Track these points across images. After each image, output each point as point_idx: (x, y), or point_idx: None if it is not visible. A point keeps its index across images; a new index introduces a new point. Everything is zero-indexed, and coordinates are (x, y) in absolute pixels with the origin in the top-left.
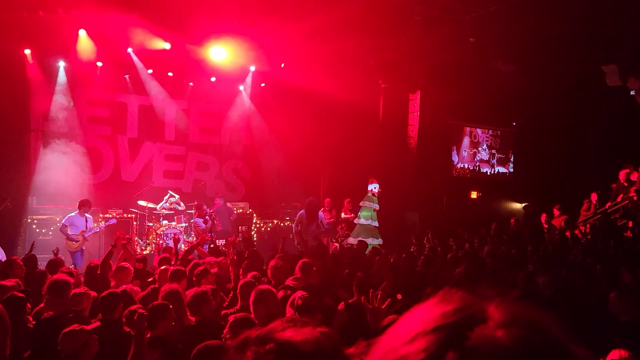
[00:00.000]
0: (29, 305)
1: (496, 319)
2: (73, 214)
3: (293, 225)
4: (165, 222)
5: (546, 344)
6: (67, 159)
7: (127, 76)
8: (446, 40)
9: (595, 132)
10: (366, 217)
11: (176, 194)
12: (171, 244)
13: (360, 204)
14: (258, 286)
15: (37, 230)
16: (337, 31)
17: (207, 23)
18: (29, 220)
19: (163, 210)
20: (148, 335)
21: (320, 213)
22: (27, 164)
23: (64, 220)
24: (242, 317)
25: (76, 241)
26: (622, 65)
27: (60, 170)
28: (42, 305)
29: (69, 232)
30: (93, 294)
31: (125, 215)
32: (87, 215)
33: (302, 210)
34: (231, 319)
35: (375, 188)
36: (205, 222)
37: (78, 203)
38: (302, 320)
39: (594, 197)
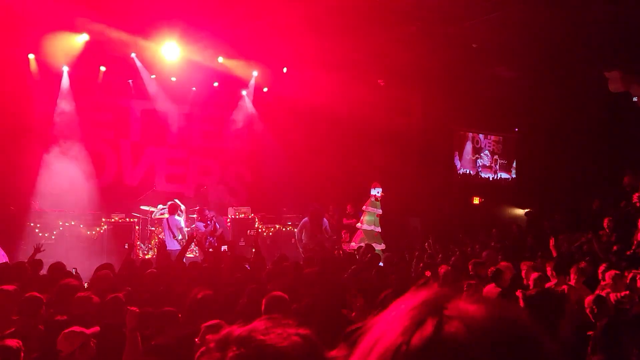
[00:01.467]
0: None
1: (470, 298)
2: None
3: (296, 232)
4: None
5: (514, 319)
6: (70, 163)
7: (130, 81)
8: (448, 46)
9: (598, 138)
10: (369, 222)
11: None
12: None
13: (364, 208)
14: (271, 293)
15: (40, 234)
16: (340, 36)
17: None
18: (32, 225)
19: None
20: (152, 343)
21: (325, 220)
22: (30, 168)
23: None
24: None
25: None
26: (624, 71)
27: (63, 175)
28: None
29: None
30: (96, 299)
31: (127, 219)
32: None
33: (305, 218)
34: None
35: (378, 193)
36: (206, 226)
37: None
38: (283, 321)
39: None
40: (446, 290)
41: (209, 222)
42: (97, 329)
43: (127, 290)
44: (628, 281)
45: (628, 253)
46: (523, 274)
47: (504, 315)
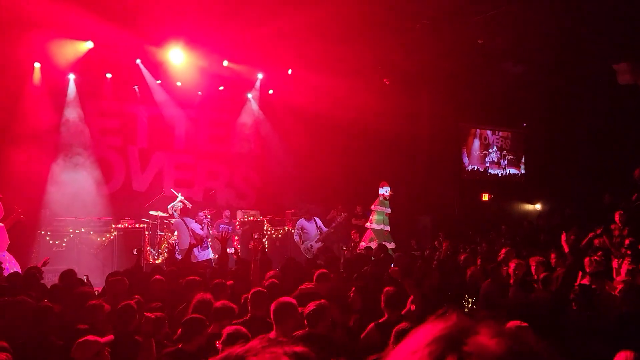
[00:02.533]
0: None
1: (489, 331)
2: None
3: (294, 234)
4: (177, 232)
5: (532, 354)
6: (79, 170)
7: (136, 87)
8: (455, 42)
9: (607, 132)
10: (378, 221)
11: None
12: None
13: (372, 208)
14: (280, 299)
15: (51, 242)
16: (345, 35)
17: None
18: (43, 232)
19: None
20: (179, 346)
21: (317, 219)
22: (39, 176)
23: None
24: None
25: None
26: (633, 63)
27: (72, 182)
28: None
29: None
30: (107, 307)
31: (137, 225)
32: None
33: (301, 219)
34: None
35: (387, 192)
36: (202, 228)
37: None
38: (283, 339)
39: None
40: (466, 322)
41: (202, 224)
42: (111, 337)
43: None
44: None
45: None
46: (533, 269)
47: (524, 351)
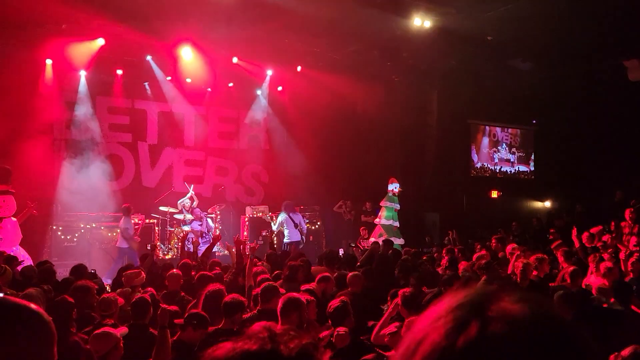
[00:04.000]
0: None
1: (511, 297)
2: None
3: (275, 225)
4: (186, 227)
5: (557, 317)
6: (90, 166)
7: (146, 83)
8: (464, 40)
9: (618, 128)
10: (387, 217)
11: (196, 198)
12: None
13: (381, 204)
14: (287, 294)
15: (62, 237)
16: (353, 31)
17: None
18: (54, 227)
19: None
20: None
21: (299, 215)
22: (50, 172)
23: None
24: None
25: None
26: None
27: (83, 178)
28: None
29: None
30: (121, 300)
31: (147, 220)
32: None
33: (284, 213)
34: None
35: (395, 188)
36: (201, 224)
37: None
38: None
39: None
40: (488, 288)
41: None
42: (125, 329)
43: (151, 291)
44: None
45: None
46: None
47: (548, 313)
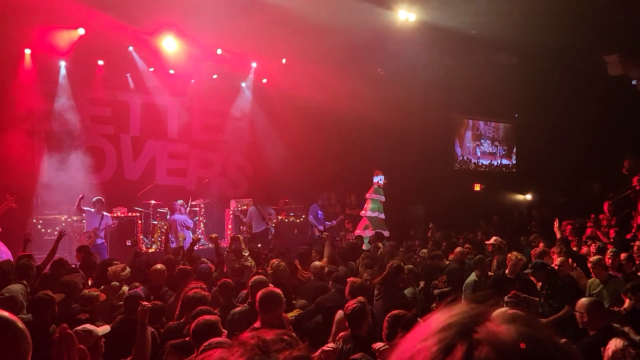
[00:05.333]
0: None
1: (499, 318)
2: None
3: (246, 217)
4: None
5: (545, 339)
6: (70, 158)
7: (128, 74)
8: (447, 34)
9: (597, 122)
10: (373, 209)
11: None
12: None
13: (367, 196)
14: (266, 289)
15: (43, 230)
16: (336, 26)
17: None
18: (34, 221)
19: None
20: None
21: (268, 207)
22: (30, 164)
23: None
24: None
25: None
26: (623, 54)
27: (63, 170)
28: None
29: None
30: (102, 295)
31: (129, 214)
32: (103, 213)
33: (252, 207)
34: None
35: (381, 180)
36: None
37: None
38: (290, 339)
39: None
40: (476, 308)
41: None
42: (107, 327)
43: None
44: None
45: (628, 237)
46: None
47: (537, 337)
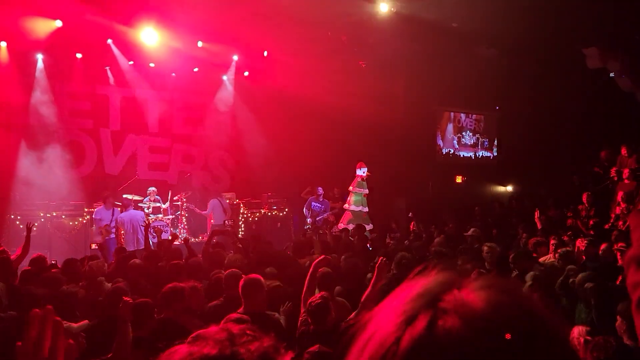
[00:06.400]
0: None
1: (472, 285)
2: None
3: (207, 210)
4: (152, 216)
5: (519, 307)
6: (49, 153)
7: (107, 68)
8: (429, 26)
9: (577, 114)
10: (357, 202)
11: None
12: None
13: (350, 189)
14: (248, 275)
15: (21, 226)
16: (318, 18)
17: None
18: (12, 217)
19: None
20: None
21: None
22: (7, 159)
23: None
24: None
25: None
26: (602, 47)
27: (42, 165)
28: None
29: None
30: (82, 292)
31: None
32: (114, 208)
33: (214, 199)
34: None
35: (364, 172)
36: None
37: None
38: (255, 333)
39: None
40: (446, 276)
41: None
42: (85, 322)
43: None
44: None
45: (606, 227)
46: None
47: (509, 302)
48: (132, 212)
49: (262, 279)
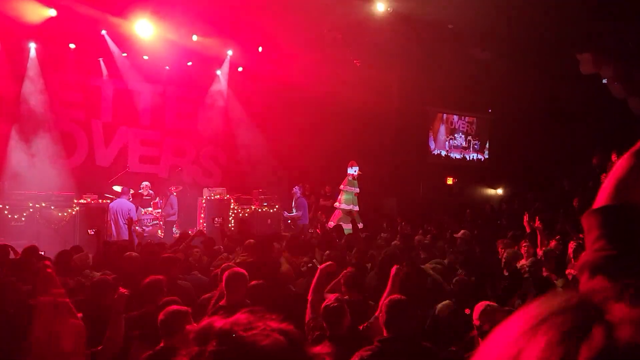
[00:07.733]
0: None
1: (624, 301)
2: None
3: (173, 208)
4: (141, 208)
5: None
6: (40, 143)
7: (101, 59)
8: (425, 27)
9: (569, 119)
10: (347, 201)
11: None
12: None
13: (341, 187)
14: (232, 269)
15: (10, 216)
16: (316, 16)
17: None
18: (1, 206)
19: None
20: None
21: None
22: None
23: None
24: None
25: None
26: (595, 53)
27: (32, 155)
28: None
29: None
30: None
31: (100, 200)
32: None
33: (172, 194)
34: None
35: (355, 171)
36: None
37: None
38: (267, 315)
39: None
40: (593, 292)
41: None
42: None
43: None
44: None
45: None
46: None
47: None
48: (120, 201)
49: (245, 272)
